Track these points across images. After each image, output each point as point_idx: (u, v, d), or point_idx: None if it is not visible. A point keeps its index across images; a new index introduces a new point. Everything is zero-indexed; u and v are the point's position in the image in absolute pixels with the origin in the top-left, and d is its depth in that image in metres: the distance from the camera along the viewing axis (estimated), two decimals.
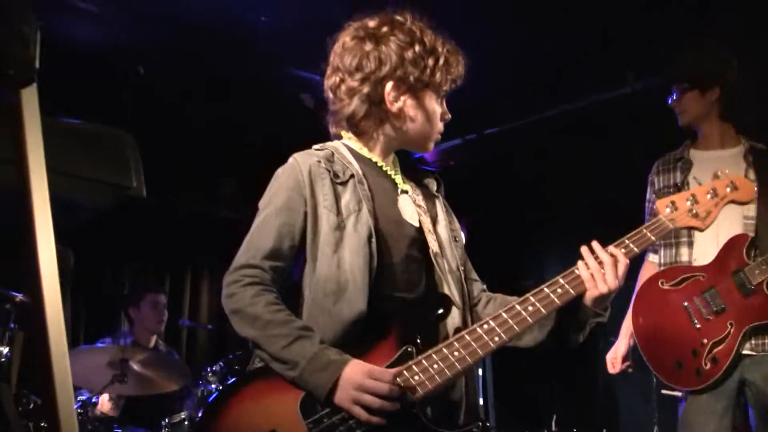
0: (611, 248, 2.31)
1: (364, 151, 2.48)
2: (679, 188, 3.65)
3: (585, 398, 6.94)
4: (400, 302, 2.31)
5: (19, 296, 3.96)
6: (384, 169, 2.49)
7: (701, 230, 2.50)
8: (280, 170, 2.44)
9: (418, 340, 2.21)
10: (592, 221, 6.08)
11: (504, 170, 7.44)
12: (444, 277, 2.39)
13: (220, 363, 5.07)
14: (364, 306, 2.24)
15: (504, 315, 2.22)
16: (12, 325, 3.93)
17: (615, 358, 3.82)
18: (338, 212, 2.33)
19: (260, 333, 2.16)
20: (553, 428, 6.84)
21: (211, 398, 2.33)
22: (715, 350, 3.48)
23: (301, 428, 2.10)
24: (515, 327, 2.21)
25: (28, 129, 0.93)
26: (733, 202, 2.49)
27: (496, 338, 2.18)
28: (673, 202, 2.41)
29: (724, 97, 3.68)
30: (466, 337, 2.19)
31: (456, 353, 2.16)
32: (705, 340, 3.49)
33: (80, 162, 1.11)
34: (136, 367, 4.77)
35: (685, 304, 3.55)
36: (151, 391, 4.88)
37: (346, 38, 2.45)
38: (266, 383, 2.20)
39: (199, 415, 2.30)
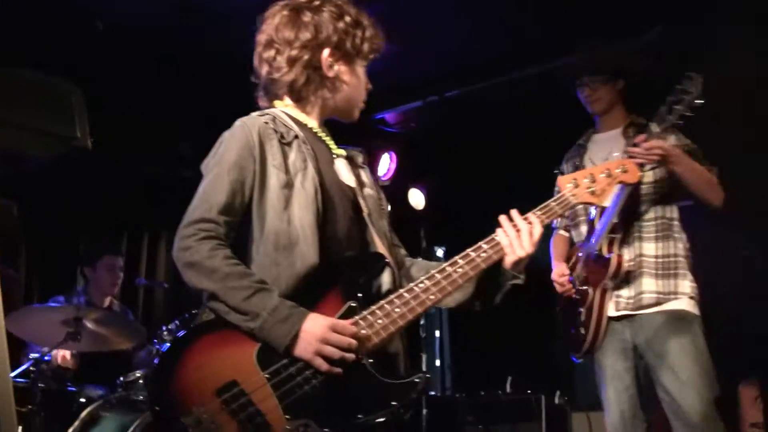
0: (529, 215, 2.52)
1: (301, 117, 2.62)
2: (576, 169, 3.88)
3: (540, 360, 7.03)
4: (342, 258, 2.44)
5: None
6: (320, 134, 2.65)
7: (599, 206, 2.94)
8: (227, 133, 2.51)
9: (360, 296, 2.36)
10: (552, 186, 6.13)
11: (465, 134, 7.45)
12: (378, 237, 2.54)
13: (176, 322, 5.03)
14: (316, 259, 2.36)
15: (437, 276, 2.39)
16: None
17: (562, 275, 4.02)
18: (286, 171, 2.43)
19: (219, 285, 2.23)
20: (508, 390, 6.95)
21: (164, 350, 2.32)
22: (586, 318, 3.84)
23: (258, 378, 2.20)
24: (447, 287, 2.38)
25: None
26: (622, 182, 2.73)
27: (432, 296, 2.36)
28: (575, 179, 2.65)
29: (629, 85, 4.05)
30: (405, 295, 2.35)
31: (397, 309, 2.32)
32: (581, 309, 3.89)
33: (23, 112, 1.09)
34: (90, 325, 4.75)
35: (570, 278, 3.99)
36: (105, 347, 4.87)
37: (282, 12, 2.59)
38: (219, 335, 2.27)
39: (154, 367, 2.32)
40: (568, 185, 2.64)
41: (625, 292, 3.80)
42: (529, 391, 6.71)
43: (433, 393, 8.02)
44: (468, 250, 2.46)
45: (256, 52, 2.64)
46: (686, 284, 3.76)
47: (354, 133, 7.62)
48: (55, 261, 6.26)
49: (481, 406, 6.45)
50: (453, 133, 7.49)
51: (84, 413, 4.51)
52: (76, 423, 4.43)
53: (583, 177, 2.66)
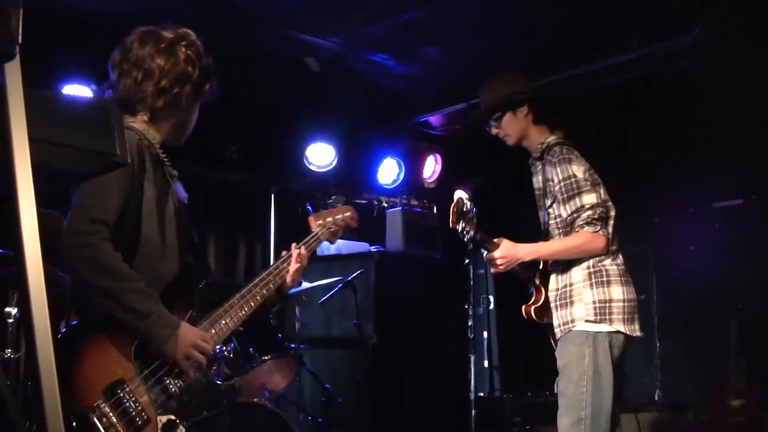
0: (300, 248, 3.19)
1: (150, 135, 2.86)
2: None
3: None
4: (183, 269, 2.83)
5: None
6: (163, 155, 2.91)
7: (331, 242, 3.48)
8: None
9: (196, 304, 2.79)
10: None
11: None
12: (198, 251, 2.99)
13: None
14: (177, 268, 2.79)
15: (253, 288, 2.95)
16: None
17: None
18: (155, 185, 2.76)
19: (116, 284, 2.50)
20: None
21: (59, 342, 2.54)
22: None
23: (137, 377, 2.53)
24: (258, 297, 2.96)
25: (11, 103, 0.97)
26: (347, 225, 3.43)
27: (246, 307, 2.91)
28: (323, 219, 3.38)
29: (533, 108, 4.03)
30: (228, 305, 2.86)
31: (224, 321, 2.84)
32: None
33: (65, 131, 1.16)
34: None
35: None
36: None
37: (157, 41, 2.88)
38: (100, 336, 2.54)
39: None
40: (319, 222, 3.36)
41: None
42: None
43: (481, 394, 8.04)
44: (271, 268, 3.09)
45: (119, 65, 2.86)
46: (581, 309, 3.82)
47: (398, 135, 7.71)
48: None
49: (529, 407, 6.44)
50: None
51: None
52: None
53: (327, 217, 3.36)
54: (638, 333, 3.83)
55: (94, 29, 5.16)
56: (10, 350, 4.05)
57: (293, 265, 3.14)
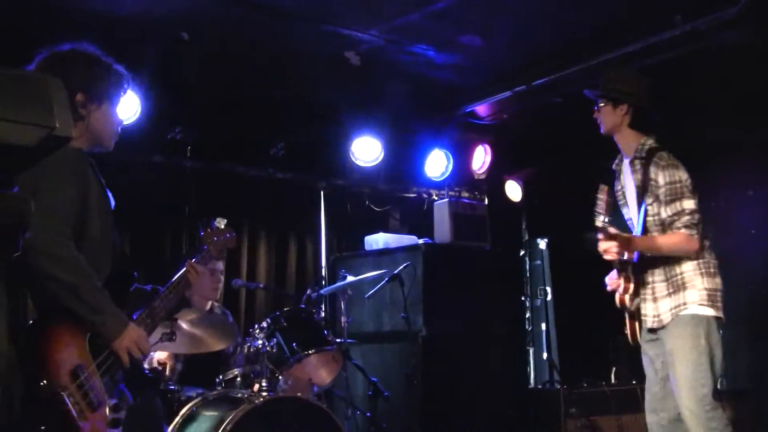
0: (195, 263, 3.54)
1: (77, 145, 3.07)
2: (615, 195, 4.42)
3: None
4: (116, 270, 3.14)
5: None
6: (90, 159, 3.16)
7: (218, 259, 4.34)
8: (65, 153, 2.88)
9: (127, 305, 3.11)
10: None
11: (558, 121, 7.32)
12: (124, 254, 3.28)
13: (267, 320, 5.16)
14: (109, 270, 3.08)
15: (168, 294, 3.35)
16: None
17: (611, 277, 4.37)
18: (95, 192, 3.03)
19: (81, 282, 2.82)
20: (612, 381, 6.81)
21: (28, 334, 2.86)
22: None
23: (92, 363, 2.86)
24: (171, 303, 3.34)
25: None
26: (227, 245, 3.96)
27: (164, 311, 3.32)
28: (211, 237, 3.80)
29: (634, 110, 4.30)
30: (150, 308, 3.23)
31: (148, 321, 3.19)
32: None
33: (2, 104, 1.15)
34: (185, 326, 4.86)
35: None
36: (199, 349, 4.96)
37: (52, 58, 3.08)
38: (60, 326, 2.85)
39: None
40: (209, 240, 3.74)
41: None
42: (633, 382, 6.57)
43: (539, 387, 7.94)
44: (177, 275, 3.45)
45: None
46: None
47: (445, 126, 7.64)
48: (153, 262, 6.45)
49: (585, 398, 6.33)
50: (546, 122, 7.38)
51: (183, 410, 4.66)
52: (177, 419, 4.58)
53: (214, 236, 3.77)
54: None
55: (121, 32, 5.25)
56: None
57: (194, 275, 3.51)
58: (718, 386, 4.13)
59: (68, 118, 1.23)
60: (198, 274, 3.52)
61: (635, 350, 7.03)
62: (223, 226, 3.81)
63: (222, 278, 6.05)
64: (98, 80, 3.14)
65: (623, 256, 4.20)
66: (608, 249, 4.09)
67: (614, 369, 6.89)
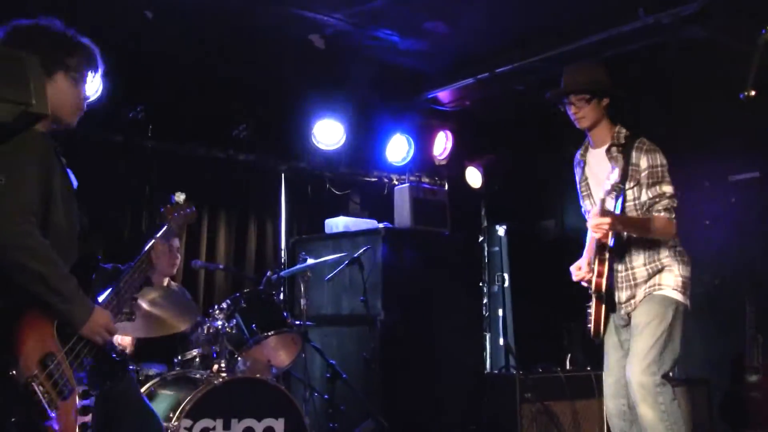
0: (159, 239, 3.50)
1: (39, 126, 2.88)
2: (585, 180, 4.50)
3: None
4: (80, 254, 3.10)
5: None
6: (55, 144, 3.03)
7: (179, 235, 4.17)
8: (29, 138, 2.78)
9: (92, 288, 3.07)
10: None
11: (520, 109, 7.39)
12: (86, 236, 3.26)
13: (227, 301, 5.16)
14: (76, 253, 3.04)
15: (133, 274, 3.30)
16: None
17: (578, 268, 4.38)
18: (58, 174, 2.95)
19: (49, 270, 2.77)
20: (567, 367, 6.91)
21: None
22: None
23: (60, 350, 2.82)
24: (137, 282, 3.32)
25: None
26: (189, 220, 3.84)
27: (130, 290, 3.27)
28: (172, 212, 3.71)
29: (613, 102, 4.35)
30: (116, 289, 3.19)
31: (114, 301, 3.13)
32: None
33: None
34: (145, 305, 4.83)
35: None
36: (159, 332, 4.92)
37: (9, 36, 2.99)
38: (28, 314, 2.79)
39: None
40: (170, 216, 3.68)
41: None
42: (588, 368, 6.67)
43: (495, 372, 8.02)
44: (142, 255, 3.40)
45: None
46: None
47: (407, 112, 7.67)
48: (113, 241, 6.40)
49: (540, 383, 6.41)
50: (507, 110, 7.44)
51: (142, 390, 4.65)
52: None
53: (174, 211, 3.70)
54: None
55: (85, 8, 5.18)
56: None
57: (156, 253, 3.46)
58: (671, 373, 4.19)
59: (44, 96, 1.23)
60: (160, 252, 3.48)
61: (589, 338, 7.18)
62: (182, 201, 3.76)
63: (179, 255, 6.04)
64: (53, 52, 3.02)
65: (612, 234, 4.21)
66: (600, 225, 4.09)
67: (569, 355, 6.99)
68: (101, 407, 2.95)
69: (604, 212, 4.09)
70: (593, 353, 6.69)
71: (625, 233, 4.25)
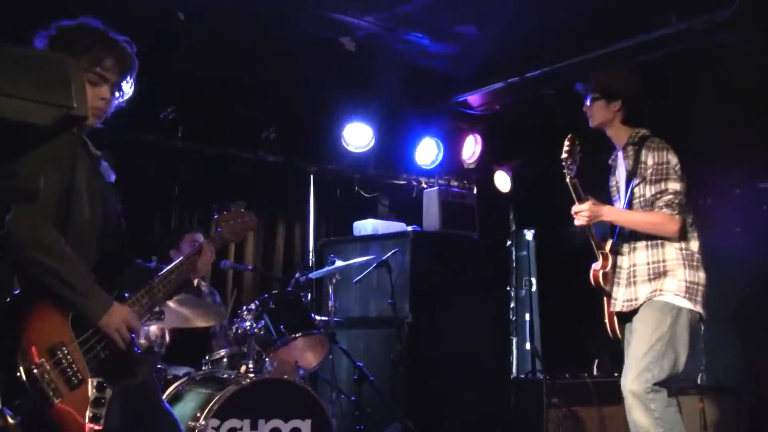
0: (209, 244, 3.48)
1: None
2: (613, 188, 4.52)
3: None
4: (109, 250, 3.10)
5: None
6: (82, 136, 3.06)
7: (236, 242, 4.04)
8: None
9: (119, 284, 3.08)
10: None
11: (549, 114, 7.36)
12: (120, 233, 3.18)
13: (256, 302, 5.19)
14: (102, 249, 3.04)
15: (169, 275, 3.23)
16: None
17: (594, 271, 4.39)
18: (84, 169, 2.97)
19: (63, 265, 2.80)
20: (595, 372, 6.87)
21: (4, 312, 2.87)
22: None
23: (74, 342, 2.83)
24: (172, 283, 3.25)
25: None
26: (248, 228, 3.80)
27: (162, 291, 3.20)
28: (227, 220, 3.64)
29: (627, 106, 4.31)
30: (148, 287, 3.14)
31: (144, 300, 3.10)
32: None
33: (20, 83, 1.17)
34: (172, 304, 4.89)
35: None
36: (185, 325, 4.99)
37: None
38: (43, 304, 2.84)
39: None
40: (223, 223, 3.61)
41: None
42: (615, 374, 6.61)
43: (521, 376, 8.00)
44: (183, 258, 3.36)
45: None
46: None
47: (437, 115, 7.66)
48: (145, 243, 6.46)
49: (567, 388, 6.38)
50: (537, 114, 7.41)
51: (170, 389, 4.70)
52: (163, 397, 4.60)
53: (230, 219, 3.63)
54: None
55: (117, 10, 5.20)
56: None
57: (203, 258, 3.42)
58: (665, 377, 4.01)
59: (84, 99, 1.25)
60: (207, 258, 3.46)
61: (617, 343, 7.15)
62: (241, 209, 3.72)
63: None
64: (64, 49, 2.97)
65: (593, 222, 4.18)
66: (578, 212, 4.12)
67: (597, 361, 6.95)
68: (117, 401, 2.94)
69: (582, 199, 4.11)
70: (620, 359, 6.66)
71: (627, 228, 4.22)
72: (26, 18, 3.96)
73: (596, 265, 4.32)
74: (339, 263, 5.85)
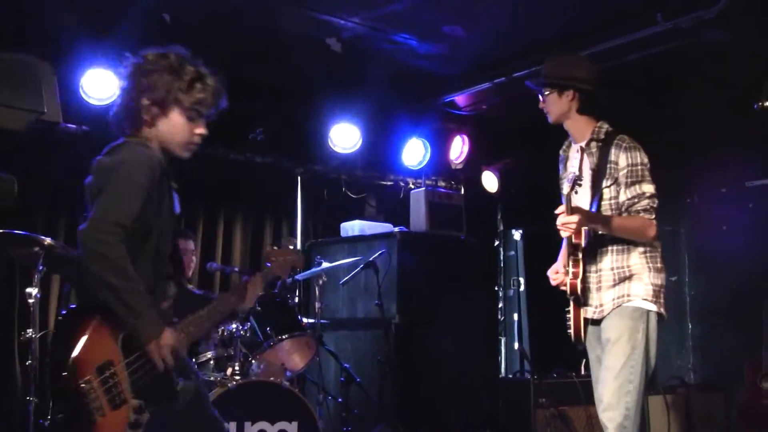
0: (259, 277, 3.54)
1: (155, 151, 3.13)
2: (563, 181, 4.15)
3: None
4: (169, 275, 3.21)
5: (48, 240, 4.09)
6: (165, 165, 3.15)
7: (283, 277, 4.15)
8: (131, 153, 3.03)
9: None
10: None
11: (537, 114, 7.35)
12: (179, 260, 3.34)
13: None
14: (165, 274, 3.14)
15: (217, 306, 3.26)
16: (40, 267, 4.07)
17: (556, 272, 4.26)
18: (164, 199, 3.06)
19: (123, 283, 2.81)
20: (582, 372, 6.87)
21: (61, 324, 3.04)
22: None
23: (122, 361, 2.90)
24: (219, 315, 3.29)
25: None
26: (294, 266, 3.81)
27: (210, 321, 3.23)
28: (278, 256, 3.68)
29: (581, 94, 4.11)
30: (197, 316, 3.17)
31: (191, 328, 3.13)
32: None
33: None
34: None
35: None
36: None
37: (137, 64, 3.18)
38: (97, 320, 2.89)
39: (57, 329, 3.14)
40: (273, 258, 3.65)
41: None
42: None
43: (509, 376, 8.00)
44: (228, 293, 3.46)
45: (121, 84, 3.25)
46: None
47: (424, 115, 7.65)
48: None
49: (555, 388, 6.39)
50: (524, 114, 7.39)
51: None
52: None
53: (281, 255, 3.67)
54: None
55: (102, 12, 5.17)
56: (31, 330, 4.09)
57: (251, 291, 3.47)
58: (645, 384, 3.97)
59: (56, 103, 1.23)
60: (256, 290, 3.51)
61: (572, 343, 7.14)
62: (291, 246, 3.78)
63: (194, 258, 6.07)
64: (166, 86, 3.11)
65: (579, 232, 4.01)
66: (566, 223, 3.89)
67: (584, 360, 6.94)
68: (155, 425, 3.00)
69: (572, 209, 3.89)
70: None
71: (594, 233, 4.07)
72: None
73: (570, 275, 4.07)
74: (326, 264, 5.83)
